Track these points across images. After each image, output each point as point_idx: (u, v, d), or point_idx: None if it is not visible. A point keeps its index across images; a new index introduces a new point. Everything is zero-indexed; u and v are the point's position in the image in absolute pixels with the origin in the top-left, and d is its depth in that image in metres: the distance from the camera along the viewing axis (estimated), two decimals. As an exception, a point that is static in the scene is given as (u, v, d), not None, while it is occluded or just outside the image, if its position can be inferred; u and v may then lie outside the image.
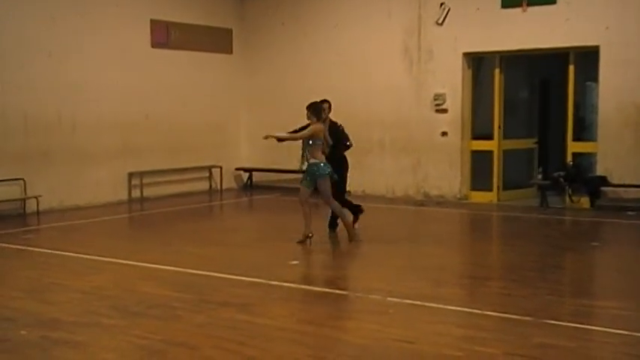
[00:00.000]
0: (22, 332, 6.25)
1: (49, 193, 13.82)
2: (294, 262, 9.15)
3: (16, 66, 13.37)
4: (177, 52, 16.36)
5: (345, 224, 10.51)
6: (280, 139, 11.04)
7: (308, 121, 10.37)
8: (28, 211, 13.70)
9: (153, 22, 15.84)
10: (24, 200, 13.65)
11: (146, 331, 6.29)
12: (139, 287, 8.01)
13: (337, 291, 7.69)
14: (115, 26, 15.04)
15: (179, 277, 8.53)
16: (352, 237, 10.45)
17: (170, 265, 8.93)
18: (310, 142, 10.16)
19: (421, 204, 14.83)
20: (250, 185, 18.03)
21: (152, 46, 15.86)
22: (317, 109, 10.35)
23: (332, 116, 10.97)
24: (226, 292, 7.68)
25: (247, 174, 18.10)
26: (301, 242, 10.25)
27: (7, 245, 10.56)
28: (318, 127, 10.20)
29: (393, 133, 15.79)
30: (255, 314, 6.85)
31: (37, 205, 13.64)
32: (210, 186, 17.47)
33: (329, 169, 10.17)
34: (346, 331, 6.28)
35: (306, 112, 10.38)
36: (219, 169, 17.41)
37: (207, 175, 17.42)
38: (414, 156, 15.56)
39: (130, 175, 15.57)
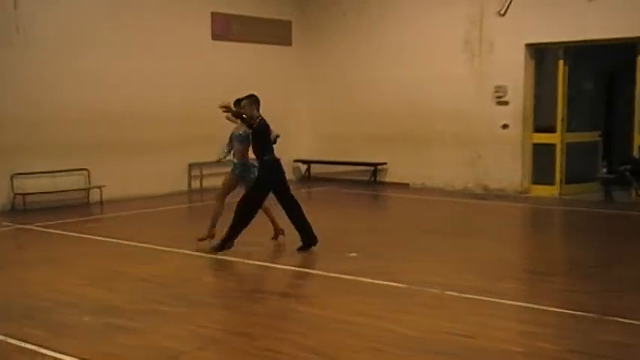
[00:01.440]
0: (86, 318, 6.40)
1: (112, 183, 14.08)
2: (353, 255, 9.13)
3: (81, 58, 13.64)
4: (237, 44, 16.47)
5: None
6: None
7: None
8: (91, 200, 14.00)
9: (214, 15, 15.98)
10: (88, 190, 13.96)
11: (206, 319, 6.36)
12: (198, 277, 8.11)
13: (395, 284, 7.65)
14: (177, 19, 15.22)
15: (238, 267, 8.61)
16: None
17: (229, 256, 8.99)
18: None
19: (481, 197, 14.65)
20: (308, 177, 18.06)
21: (213, 39, 16.01)
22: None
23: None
24: (285, 283, 7.72)
25: (305, 166, 18.13)
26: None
27: (71, 234, 10.80)
28: None
29: (453, 125, 15.61)
30: (313, 305, 6.86)
31: (101, 194, 13.93)
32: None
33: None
34: (404, 324, 6.24)
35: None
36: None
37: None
38: (474, 148, 15.36)
39: (190, 166, 15.77)
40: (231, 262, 8.79)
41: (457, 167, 15.61)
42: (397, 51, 16.33)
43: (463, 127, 15.46)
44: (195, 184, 15.90)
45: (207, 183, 15.90)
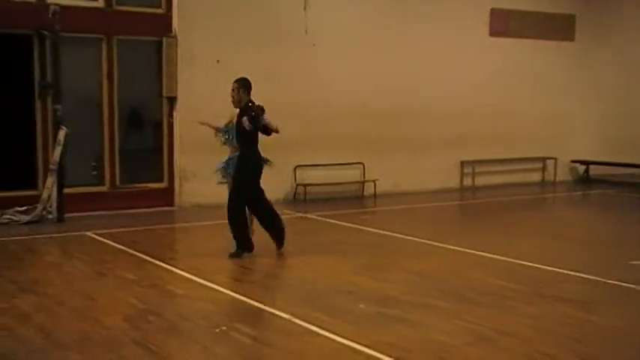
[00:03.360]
0: (362, 306, 6.64)
1: (385, 178, 14.47)
2: (635, 262, 8.52)
3: (361, 58, 14.16)
4: (516, 40, 16.08)
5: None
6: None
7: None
8: (365, 193, 14.52)
9: (493, 11, 15.76)
10: (362, 183, 14.50)
11: (477, 317, 6.30)
12: (469, 274, 8.06)
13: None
14: (454, 15, 15.23)
15: (509, 266, 8.43)
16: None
17: (500, 255, 8.85)
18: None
19: None
20: (587, 179, 17.16)
21: (490, 35, 15.80)
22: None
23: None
24: (560, 287, 7.42)
25: (584, 167, 17.25)
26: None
27: (346, 224, 11.28)
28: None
29: None
30: (592, 312, 6.54)
31: (374, 188, 14.39)
32: (544, 178, 16.97)
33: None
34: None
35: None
36: (553, 161, 16.85)
37: (541, 166, 16.94)
38: None
39: (463, 164, 15.73)
40: (501, 261, 8.63)
41: None
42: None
43: None
44: (467, 181, 15.83)
45: (480, 181, 15.78)
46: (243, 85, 8.72)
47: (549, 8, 16.52)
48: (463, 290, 7.24)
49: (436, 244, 9.64)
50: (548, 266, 8.32)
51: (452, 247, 9.40)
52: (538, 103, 16.51)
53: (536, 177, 16.89)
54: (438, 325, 6.09)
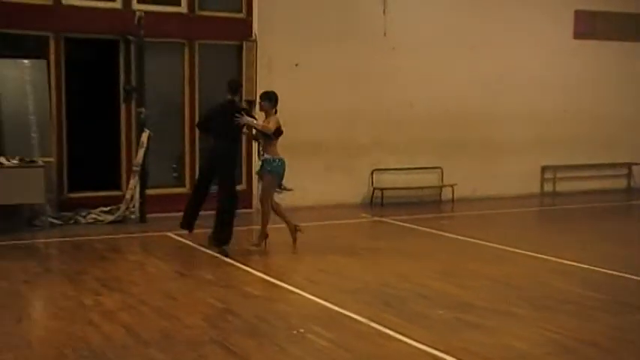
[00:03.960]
0: (439, 312, 6.58)
1: (464, 182, 14.32)
2: None
3: (439, 60, 14.05)
4: (601, 42, 15.68)
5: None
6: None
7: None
8: (443, 198, 14.39)
9: (577, 13, 15.40)
10: (440, 188, 14.37)
11: (557, 326, 6.17)
12: (549, 281, 7.90)
13: None
14: (536, 17, 14.95)
15: (591, 275, 8.23)
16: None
17: (581, 262, 8.65)
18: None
19: None
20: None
21: (574, 37, 15.45)
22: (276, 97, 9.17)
23: None
24: (644, 297, 7.21)
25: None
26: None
27: (424, 229, 11.21)
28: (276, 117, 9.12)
29: None
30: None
31: (452, 193, 14.26)
32: (629, 184, 16.45)
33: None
34: None
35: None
36: (639, 167, 16.35)
37: (626, 172, 16.43)
38: None
39: (544, 169, 15.41)
40: (583, 269, 8.44)
41: None
42: None
43: None
44: (548, 187, 15.51)
45: (561, 187, 15.44)
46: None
47: (636, 9, 16.02)
48: (542, 298, 7.10)
49: (515, 250, 9.48)
50: (632, 275, 8.08)
51: (530, 254, 9.22)
52: (623, 106, 16.03)
53: (621, 184, 16.38)
54: (517, 333, 5.99)
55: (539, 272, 8.40)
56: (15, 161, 10.32)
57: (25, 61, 11.32)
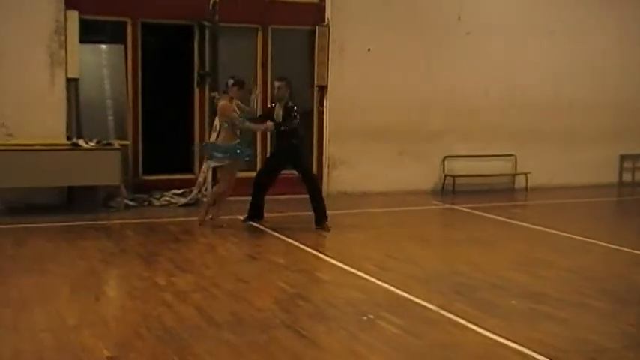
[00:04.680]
0: (512, 302, 6.47)
1: (538, 171, 14.01)
2: None
3: (514, 46, 13.75)
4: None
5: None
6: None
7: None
8: (516, 186, 14.12)
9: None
10: (514, 176, 14.11)
11: (634, 319, 5.99)
12: (626, 273, 7.69)
13: None
14: (614, 3, 14.45)
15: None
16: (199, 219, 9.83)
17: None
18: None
19: None
20: None
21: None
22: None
23: None
24: None
25: None
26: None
27: (496, 217, 11.03)
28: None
29: None
30: None
31: (526, 181, 13.98)
32: None
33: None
34: None
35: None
36: None
37: None
38: None
39: (622, 158, 14.97)
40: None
41: None
42: None
43: None
44: (627, 176, 15.06)
45: (640, 176, 15.00)
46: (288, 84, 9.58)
47: None
48: (620, 290, 6.91)
49: (591, 240, 9.24)
50: None
51: (607, 245, 8.98)
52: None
53: None
54: (593, 326, 5.84)
55: (616, 264, 8.18)
56: (93, 144, 10.56)
57: (103, 46, 11.60)
